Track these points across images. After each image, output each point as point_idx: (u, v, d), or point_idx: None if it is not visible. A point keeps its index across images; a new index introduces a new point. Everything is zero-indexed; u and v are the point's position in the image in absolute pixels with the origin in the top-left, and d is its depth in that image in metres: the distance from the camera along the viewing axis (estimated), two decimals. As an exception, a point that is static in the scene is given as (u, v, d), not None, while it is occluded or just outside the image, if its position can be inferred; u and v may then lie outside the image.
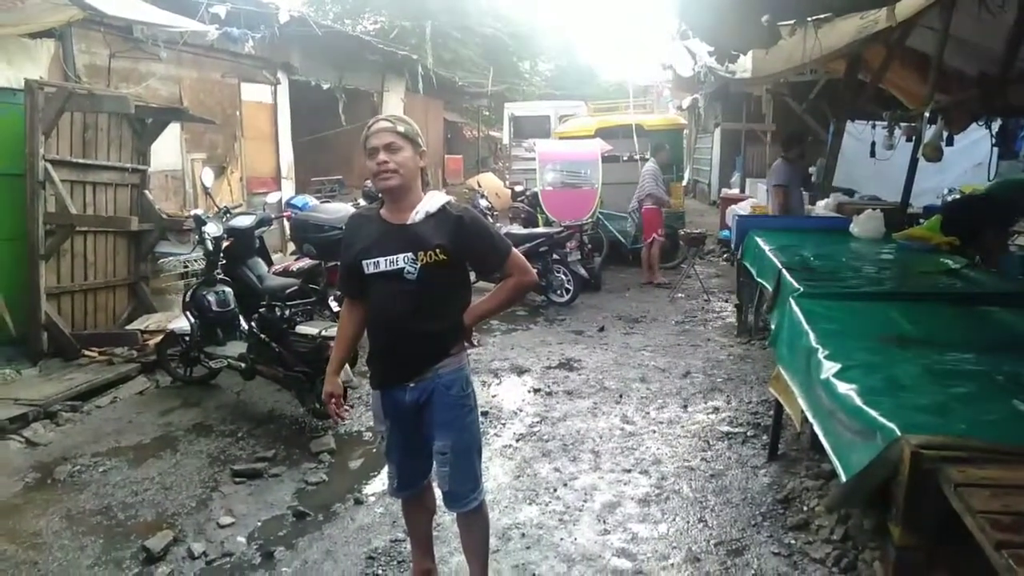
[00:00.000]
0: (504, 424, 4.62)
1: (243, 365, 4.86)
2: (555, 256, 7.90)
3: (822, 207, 6.99)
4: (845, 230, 5.48)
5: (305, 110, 11.29)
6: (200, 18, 7.37)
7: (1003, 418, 2.03)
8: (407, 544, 3.07)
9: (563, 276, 7.90)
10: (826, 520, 3.18)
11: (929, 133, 4.55)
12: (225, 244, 5.26)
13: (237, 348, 5.02)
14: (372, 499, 3.67)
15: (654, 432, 4.42)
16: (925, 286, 3.78)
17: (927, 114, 4.62)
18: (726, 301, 7.78)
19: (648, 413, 4.73)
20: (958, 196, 7.53)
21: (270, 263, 5.91)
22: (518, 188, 11.72)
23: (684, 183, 13.59)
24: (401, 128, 2.39)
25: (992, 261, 5.28)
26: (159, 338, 5.59)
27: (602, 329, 6.92)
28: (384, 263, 2.38)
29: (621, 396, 5.05)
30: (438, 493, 2.71)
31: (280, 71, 10.12)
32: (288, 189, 10.02)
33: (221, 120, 8.58)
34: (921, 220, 5.95)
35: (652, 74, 20.81)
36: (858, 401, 2.22)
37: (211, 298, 5.08)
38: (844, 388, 2.35)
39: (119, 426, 4.64)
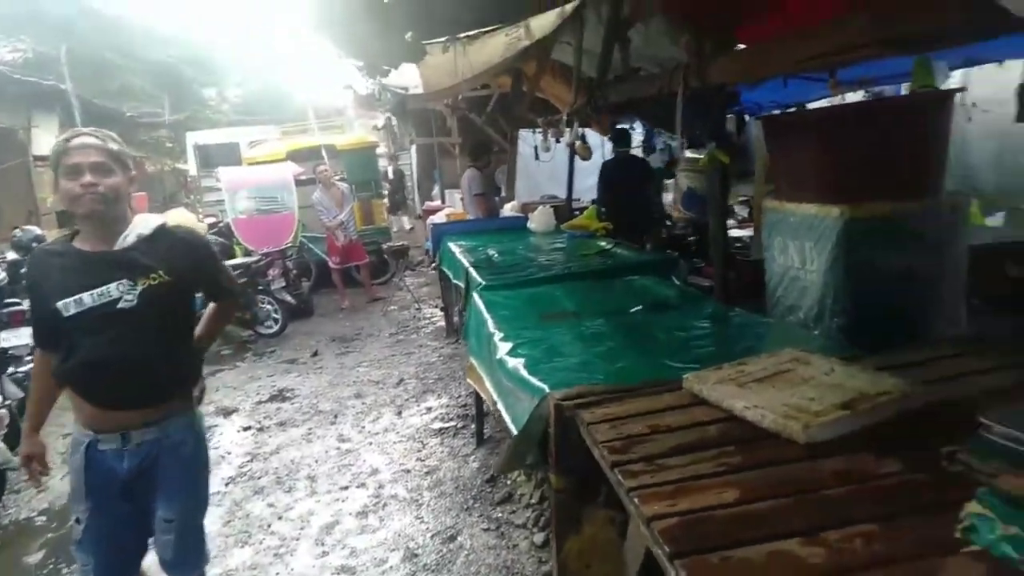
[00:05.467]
0: (211, 471, 4.27)
1: None
2: (258, 286, 7.53)
3: (509, 208, 7.64)
4: (524, 227, 6.05)
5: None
6: None
7: (628, 365, 2.42)
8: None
9: (269, 306, 7.57)
10: (526, 488, 3.47)
11: (569, 135, 5.19)
12: None
13: None
14: (50, 589, 3.17)
15: (370, 444, 4.43)
16: (583, 266, 4.31)
17: (565, 117, 5.27)
18: (435, 307, 8.08)
19: (364, 427, 4.73)
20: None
21: None
22: (211, 220, 10.95)
23: (386, 200, 13.82)
24: (113, 147, 2.06)
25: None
26: None
27: (316, 353, 6.76)
28: (89, 298, 2.02)
29: (336, 416, 4.98)
30: (152, 561, 2.36)
31: None
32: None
33: None
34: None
35: (342, 95, 20.86)
36: (523, 372, 2.47)
37: None
38: (513, 363, 2.60)
39: None
